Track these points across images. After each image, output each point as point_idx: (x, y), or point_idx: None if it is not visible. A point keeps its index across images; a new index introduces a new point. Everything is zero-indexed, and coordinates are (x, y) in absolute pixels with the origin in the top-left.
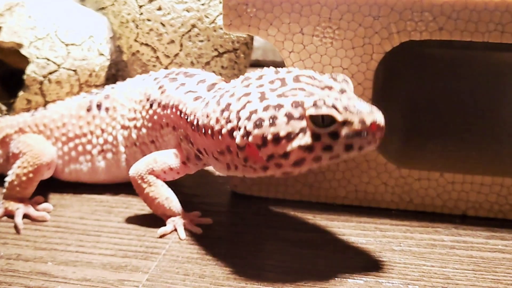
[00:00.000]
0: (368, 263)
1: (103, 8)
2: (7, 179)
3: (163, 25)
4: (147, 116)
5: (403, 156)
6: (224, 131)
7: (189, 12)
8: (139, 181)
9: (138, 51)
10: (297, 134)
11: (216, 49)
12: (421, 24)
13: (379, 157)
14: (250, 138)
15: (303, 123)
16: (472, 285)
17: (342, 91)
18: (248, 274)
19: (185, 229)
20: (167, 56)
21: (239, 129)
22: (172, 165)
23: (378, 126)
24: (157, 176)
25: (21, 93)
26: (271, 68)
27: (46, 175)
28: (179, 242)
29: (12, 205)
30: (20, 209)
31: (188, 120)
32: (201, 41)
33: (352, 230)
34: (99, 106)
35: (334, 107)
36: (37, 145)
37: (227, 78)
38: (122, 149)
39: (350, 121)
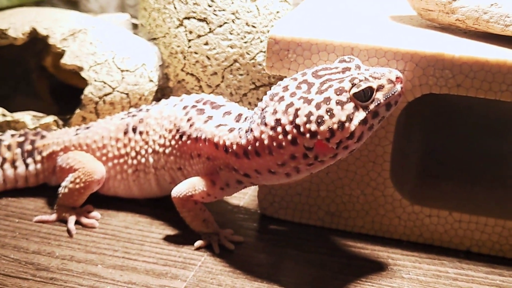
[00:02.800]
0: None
1: (155, 39)
2: (61, 190)
3: (208, 58)
4: (176, 146)
5: (417, 194)
6: (284, 143)
7: (232, 48)
8: (180, 203)
9: (183, 80)
10: (353, 113)
11: (253, 83)
12: (441, 80)
13: (395, 193)
14: (319, 136)
15: (352, 104)
16: None
17: (357, 67)
18: None
19: (219, 244)
20: (209, 86)
21: (303, 134)
22: (210, 192)
23: (401, 78)
24: (196, 201)
25: (77, 111)
26: (284, 80)
27: (95, 189)
28: (213, 255)
29: (65, 212)
30: (72, 216)
31: (230, 151)
32: (241, 74)
33: (367, 257)
34: (134, 130)
35: (366, 80)
36: (88, 162)
37: None
38: (152, 170)
39: (382, 85)
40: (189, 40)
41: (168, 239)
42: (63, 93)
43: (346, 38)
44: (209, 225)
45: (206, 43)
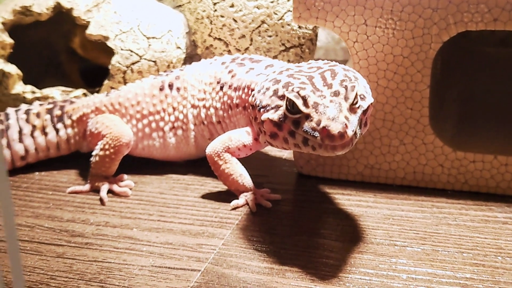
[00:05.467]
0: (425, 234)
1: (180, 6)
2: (92, 159)
3: (235, 21)
4: (217, 97)
5: (459, 140)
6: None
7: (259, 9)
8: (216, 159)
9: (211, 45)
10: (272, 108)
11: (283, 44)
12: (477, 16)
13: (436, 140)
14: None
15: (281, 102)
16: None
17: (336, 94)
18: (310, 242)
19: (256, 203)
20: (238, 50)
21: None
22: (246, 142)
23: (328, 133)
24: (232, 154)
25: (106, 82)
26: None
27: (125, 152)
28: (251, 214)
29: (98, 182)
30: (105, 185)
31: None
32: (270, 36)
33: (410, 207)
34: (170, 86)
35: (303, 98)
36: (115, 126)
37: None
38: (191, 126)
39: (311, 118)
40: (215, 4)
41: (204, 201)
42: (93, 76)
43: None
44: (245, 181)
45: (232, 5)
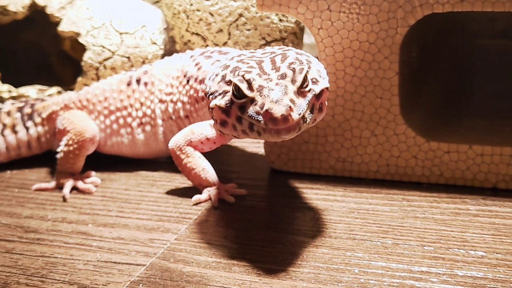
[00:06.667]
0: (388, 228)
1: (157, 2)
2: (57, 156)
3: (212, 14)
4: (184, 91)
5: (433, 131)
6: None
7: (236, 2)
8: (178, 153)
9: (189, 41)
10: (220, 94)
11: (263, 38)
12: None
13: (408, 131)
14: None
15: (229, 88)
16: (489, 247)
17: (283, 76)
18: (266, 236)
19: (220, 198)
20: (216, 45)
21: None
22: (209, 135)
23: (271, 116)
24: (195, 147)
25: (79, 79)
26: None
27: (91, 149)
28: (212, 210)
29: (64, 179)
30: (69, 181)
31: None
32: (249, 30)
33: (379, 200)
34: (138, 81)
35: (248, 82)
36: (79, 122)
37: None
38: (159, 122)
39: (256, 102)
40: None
41: (167, 197)
42: None
43: None
44: (208, 176)
45: None
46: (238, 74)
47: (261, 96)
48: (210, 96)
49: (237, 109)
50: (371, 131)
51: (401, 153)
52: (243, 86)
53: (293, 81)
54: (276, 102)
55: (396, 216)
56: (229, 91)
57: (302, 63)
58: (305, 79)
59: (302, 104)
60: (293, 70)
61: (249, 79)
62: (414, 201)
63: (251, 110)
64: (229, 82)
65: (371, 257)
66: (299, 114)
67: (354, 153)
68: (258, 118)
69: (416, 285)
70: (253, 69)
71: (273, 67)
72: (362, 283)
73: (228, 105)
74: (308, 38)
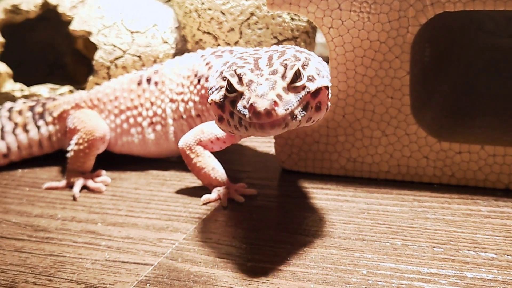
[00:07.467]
0: (398, 229)
1: (169, 0)
2: (68, 155)
3: (223, 13)
4: (195, 91)
5: (444, 131)
6: None
7: (247, 1)
8: (188, 152)
9: (201, 40)
10: (216, 89)
11: (275, 37)
12: None
13: (419, 131)
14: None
15: (224, 83)
16: (500, 249)
17: (274, 72)
18: (276, 236)
19: (229, 198)
20: (228, 44)
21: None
22: (219, 135)
23: (255, 110)
24: (205, 147)
25: (90, 78)
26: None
27: (102, 148)
28: (221, 209)
29: (74, 177)
30: (79, 180)
31: None
32: (260, 28)
33: (390, 201)
34: (148, 80)
35: (239, 76)
36: (89, 121)
37: None
38: (170, 121)
39: (244, 96)
40: None
41: (177, 197)
42: None
43: None
44: (218, 175)
45: None
46: (231, 69)
47: (249, 90)
48: (209, 92)
49: (229, 104)
50: (382, 131)
51: (412, 153)
52: (234, 81)
53: (283, 76)
54: (261, 97)
55: (406, 217)
56: (223, 86)
57: (299, 59)
58: (296, 75)
59: (291, 100)
60: (285, 66)
61: (240, 74)
62: (425, 201)
63: (239, 104)
64: (224, 78)
65: (380, 258)
66: (286, 110)
67: (364, 153)
68: (244, 112)
69: (425, 287)
70: (247, 65)
71: (267, 63)
72: (371, 284)
73: (221, 100)
74: (321, 37)
